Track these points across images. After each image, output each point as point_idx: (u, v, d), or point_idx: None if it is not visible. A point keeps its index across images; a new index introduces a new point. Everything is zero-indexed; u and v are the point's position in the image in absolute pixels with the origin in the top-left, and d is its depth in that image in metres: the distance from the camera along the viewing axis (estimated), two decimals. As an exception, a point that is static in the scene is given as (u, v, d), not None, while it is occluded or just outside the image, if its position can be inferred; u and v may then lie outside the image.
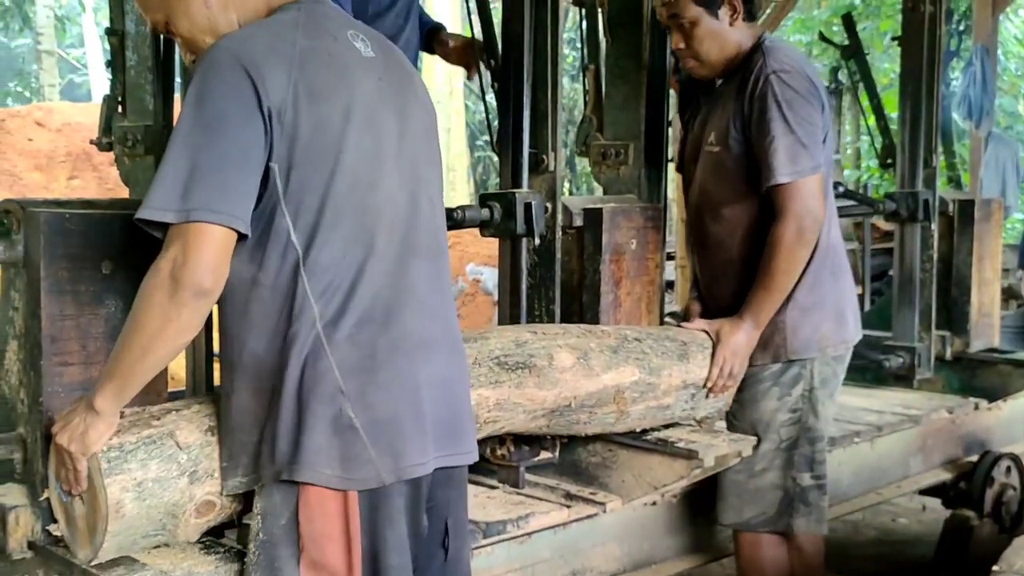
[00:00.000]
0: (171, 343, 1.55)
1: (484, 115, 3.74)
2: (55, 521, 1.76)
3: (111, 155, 2.89)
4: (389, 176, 1.65)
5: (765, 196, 2.53)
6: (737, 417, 2.66)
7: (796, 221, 2.45)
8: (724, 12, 2.54)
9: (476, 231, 2.63)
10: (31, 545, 1.79)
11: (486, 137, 12.24)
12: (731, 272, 2.62)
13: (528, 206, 2.52)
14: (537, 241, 2.58)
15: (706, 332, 2.55)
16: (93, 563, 1.68)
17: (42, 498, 1.76)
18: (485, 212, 2.54)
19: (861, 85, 5.06)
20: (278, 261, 1.57)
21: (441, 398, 1.67)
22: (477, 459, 1.77)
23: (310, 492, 1.56)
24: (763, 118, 2.47)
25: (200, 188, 1.49)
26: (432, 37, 3.29)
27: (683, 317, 2.80)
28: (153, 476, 1.65)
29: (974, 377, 3.93)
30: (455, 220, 2.52)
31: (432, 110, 1.82)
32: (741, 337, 2.52)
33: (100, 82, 16.88)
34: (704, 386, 2.53)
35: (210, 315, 1.66)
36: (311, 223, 1.57)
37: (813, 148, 2.49)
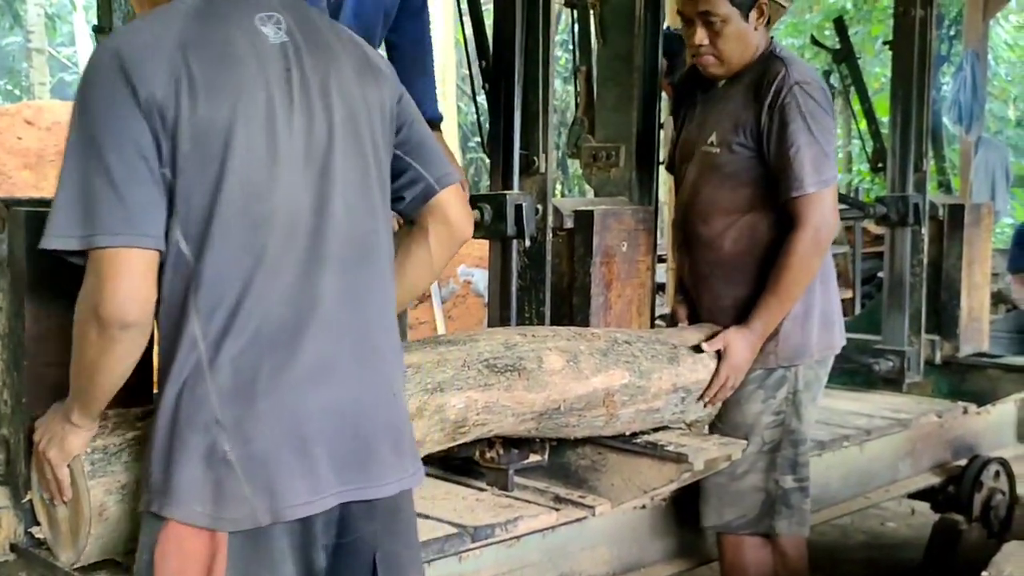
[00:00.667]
0: (116, 370, 1.48)
1: (475, 116, 3.72)
2: (38, 523, 1.74)
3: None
4: (288, 179, 1.49)
5: (759, 199, 2.54)
6: (720, 419, 2.66)
7: (815, 231, 2.47)
8: (754, 15, 2.54)
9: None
10: (13, 548, 1.78)
11: (478, 138, 12.23)
12: (719, 273, 2.63)
13: (519, 208, 2.51)
14: (528, 243, 2.57)
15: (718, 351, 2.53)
16: (76, 566, 1.67)
17: (24, 500, 1.75)
18: (476, 213, 2.52)
19: (853, 89, 5.07)
20: (171, 274, 1.45)
21: (344, 427, 1.50)
22: (403, 488, 1.58)
23: (170, 528, 1.44)
24: (786, 128, 2.47)
25: (99, 208, 1.38)
26: None
27: (671, 320, 2.80)
28: (138, 479, 1.63)
29: (963, 381, 3.94)
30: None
31: (370, 98, 1.60)
32: (747, 352, 2.53)
33: (91, 81, 16.78)
34: (702, 396, 2.53)
35: None
36: (199, 233, 1.43)
37: (833, 158, 2.53)
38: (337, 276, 1.52)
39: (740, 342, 2.51)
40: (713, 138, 2.60)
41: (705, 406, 2.56)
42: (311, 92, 1.52)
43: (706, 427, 2.72)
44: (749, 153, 2.55)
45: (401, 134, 1.68)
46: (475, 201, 2.55)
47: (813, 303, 2.61)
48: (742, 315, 2.56)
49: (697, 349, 2.51)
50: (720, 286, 2.62)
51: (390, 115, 1.65)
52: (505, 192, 2.53)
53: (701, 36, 2.56)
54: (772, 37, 2.66)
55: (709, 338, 2.54)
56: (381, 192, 1.62)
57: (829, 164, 2.50)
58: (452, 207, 1.75)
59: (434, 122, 2.82)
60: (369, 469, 1.53)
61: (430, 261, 1.77)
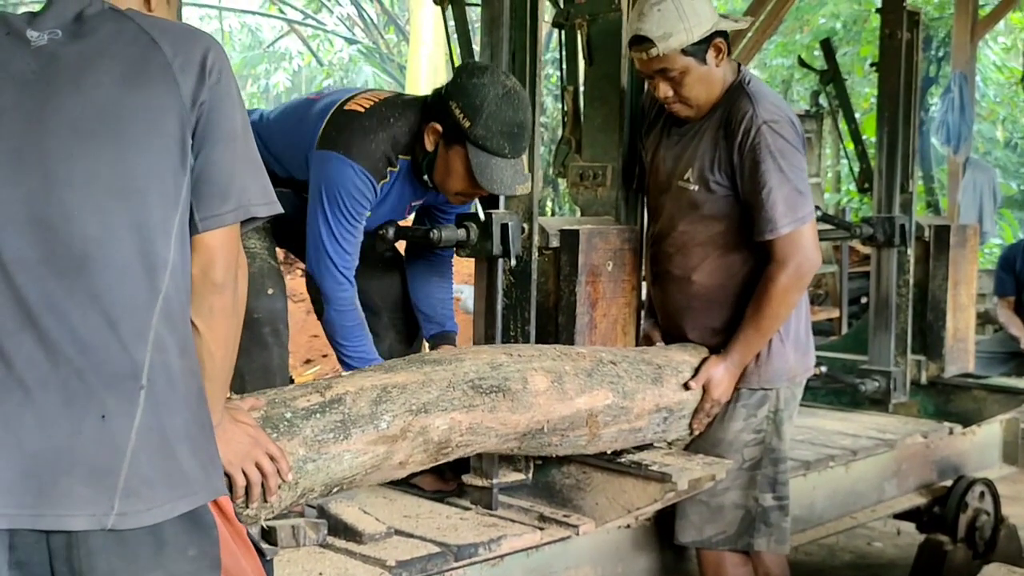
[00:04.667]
0: None
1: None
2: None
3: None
4: None
5: (735, 234, 2.58)
6: (701, 435, 2.68)
7: (795, 268, 2.51)
8: (711, 56, 2.55)
9: (455, 251, 2.62)
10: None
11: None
12: (696, 305, 2.67)
13: (505, 227, 2.51)
14: (513, 262, 2.57)
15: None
16: None
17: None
18: (462, 232, 2.53)
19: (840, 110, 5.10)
20: None
21: (11, 447, 1.38)
22: (98, 526, 1.39)
23: None
24: (757, 169, 2.50)
25: None
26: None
27: (645, 343, 2.81)
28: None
29: (948, 402, 3.95)
30: (432, 240, 2.52)
31: (148, 101, 1.47)
32: (728, 383, 2.60)
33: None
34: (689, 425, 2.60)
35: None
36: None
37: (807, 194, 2.55)
38: (40, 284, 1.42)
39: (721, 373, 2.58)
40: (690, 175, 2.62)
41: (691, 434, 2.63)
42: (50, 94, 1.45)
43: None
44: (725, 192, 2.58)
45: (195, 148, 1.51)
46: (461, 220, 2.55)
47: (790, 327, 2.64)
48: (724, 340, 2.62)
49: (685, 387, 2.56)
50: (700, 317, 2.68)
51: (178, 120, 1.48)
52: (491, 211, 2.53)
53: (665, 89, 2.59)
54: (739, 65, 2.68)
55: (696, 369, 2.59)
56: (138, 201, 1.45)
57: (804, 201, 2.52)
58: (217, 256, 1.52)
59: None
60: (48, 497, 1.39)
61: (198, 325, 1.52)
